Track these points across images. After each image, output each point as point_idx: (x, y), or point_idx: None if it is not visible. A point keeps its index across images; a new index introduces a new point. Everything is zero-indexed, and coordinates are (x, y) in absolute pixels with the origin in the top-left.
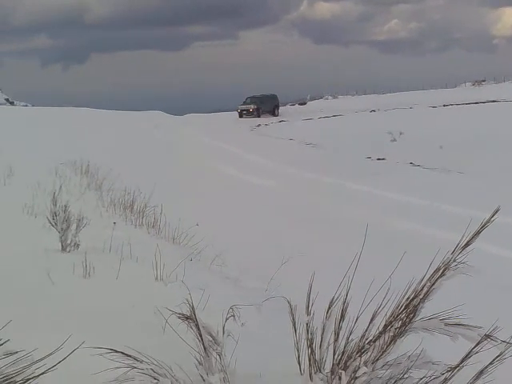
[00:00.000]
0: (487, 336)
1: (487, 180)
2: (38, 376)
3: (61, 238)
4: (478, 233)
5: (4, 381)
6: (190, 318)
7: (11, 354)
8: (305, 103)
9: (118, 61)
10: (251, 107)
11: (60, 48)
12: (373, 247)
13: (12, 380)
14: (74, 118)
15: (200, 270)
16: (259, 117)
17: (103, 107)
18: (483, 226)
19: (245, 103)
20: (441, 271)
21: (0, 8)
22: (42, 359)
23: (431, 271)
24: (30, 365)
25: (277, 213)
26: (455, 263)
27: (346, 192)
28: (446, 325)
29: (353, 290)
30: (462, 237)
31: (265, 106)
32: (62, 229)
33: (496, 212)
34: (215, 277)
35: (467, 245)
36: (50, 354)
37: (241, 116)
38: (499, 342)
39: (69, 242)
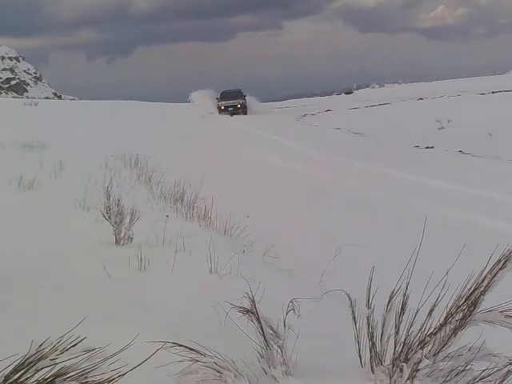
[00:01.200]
0: None
1: None
2: (120, 377)
3: (114, 231)
4: None
5: (80, 375)
6: (251, 312)
7: (88, 351)
8: (351, 92)
9: (163, 53)
10: (239, 103)
11: (106, 42)
12: (425, 237)
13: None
14: (122, 111)
15: (253, 262)
16: (246, 114)
17: (149, 99)
18: None
19: (226, 98)
20: (501, 263)
21: (46, 3)
22: (114, 354)
23: (491, 263)
24: (104, 360)
25: (325, 203)
26: None
27: (395, 181)
28: (506, 317)
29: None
30: None
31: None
32: (115, 222)
33: None
34: (268, 269)
35: None
36: (122, 350)
37: (221, 113)
38: None
39: (122, 235)
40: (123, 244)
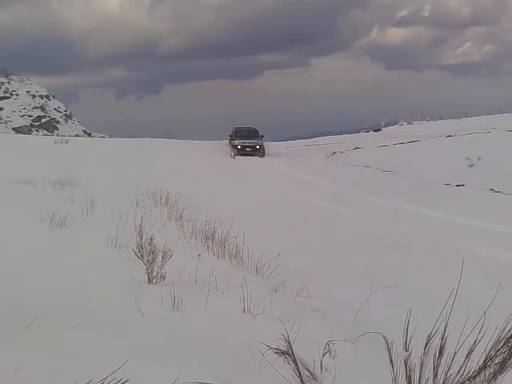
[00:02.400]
0: None
1: None
2: None
3: (147, 269)
4: None
5: None
6: (287, 353)
7: None
8: (379, 129)
9: (191, 91)
10: (258, 143)
11: (135, 79)
12: (463, 276)
13: None
14: (151, 149)
15: (286, 302)
16: (263, 156)
17: (179, 137)
18: None
19: (242, 136)
20: None
21: (76, 42)
22: None
23: None
24: None
25: (359, 241)
26: None
27: (427, 219)
28: None
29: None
30: None
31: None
32: (148, 261)
33: None
34: (301, 308)
35: None
36: None
37: (237, 153)
38: None
39: (155, 273)
40: (156, 282)
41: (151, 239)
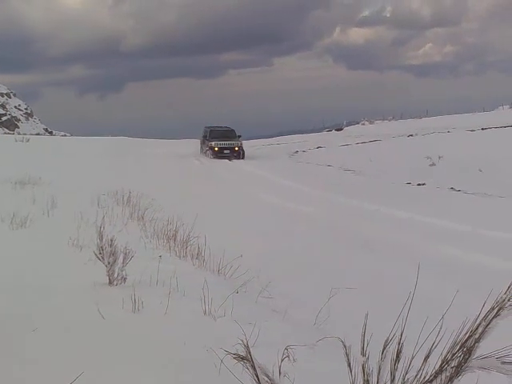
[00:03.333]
0: None
1: None
2: None
3: (108, 271)
4: None
5: None
6: (246, 359)
7: None
8: (341, 129)
9: (153, 89)
10: (237, 145)
11: (96, 77)
12: (425, 276)
13: None
14: (112, 147)
15: (247, 303)
16: (243, 158)
17: (140, 136)
18: None
19: (218, 137)
20: (495, 311)
21: (37, 40)
22: None
23: (485, 308)
24: None
25: (320, 239)
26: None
27: (388, 218)
28: (502, 363)
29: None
30: None
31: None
32: (108, 263)
33: None
34: (263, 310)
35: None
36: None
37: (215, 155)
38: None
39: (116, 275)
40: (117, 284)
41: (112, 240)
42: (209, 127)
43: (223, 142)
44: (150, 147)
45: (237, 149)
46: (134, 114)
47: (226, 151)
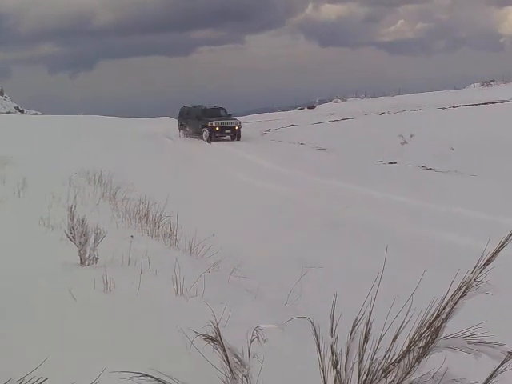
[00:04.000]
0: (511, 353)
1: (500, 182)
2: None
3: (79, 251)
4: (497, 251)
5: None
6: (216, 340)
7: None
8: (314, 107)
9: (126, 67)
10: (237, 124)
11: (68, 55)
12: (390, 254)
13: None
14: (85, 126)
15: (219, 283)
16: (239, 139)
17: (112, 114)
18: (502, 245)
19: (214, 116)
20: (462, 291)
21: (7, 17)
22: None
23: (453, 288)
24: None
25: (296, 219)
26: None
27: (360, 197)
28: (469, 343)
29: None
30: (481, 256)
31: None
32: (80, 243)
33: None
34: (235, 289)
35: (487, 263)
36: None
37: (213, 136)
38: None
39: (87, 255)
40: (88, 264)
41: (83, 220)
42: (200, 107)
43: (224, 122)
44: (124, 126)
45: (237, 128)
46: (107, 93)
47: (227, 131)
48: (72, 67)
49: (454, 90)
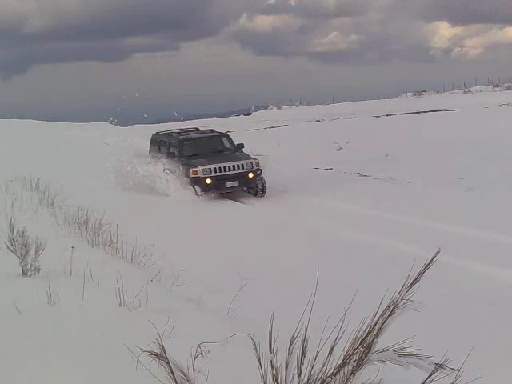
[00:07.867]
0: (438, 365)
1: (431, 189)
2: None
3: (21, 262)
4: (422, 273)
5: None
6: (161, 356)
7: None
8: (250, 113)
9: (60, 72)
10: (250, 166)
11: None
12: (333, 261)
13: None
14: (18, 131)
15: (162, 292)
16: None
17: (49, 119)
18: (427, 267)
19: (199, 154)
20: (390, 309)
21: None
22: None
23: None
24: None
25: (235, 227)
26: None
27: (296, 203)
28: (399, 356)
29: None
30: (408, 277)
31: None
32: (21, 254)
33: (438, 253)
34: (177, 299)
35: (413, 284)
36: None
37: (205, 191)
38: (450, 370)
39: (29, 266)
40: (30, 275)
41: (23, 232)
42: (172, 133)
43: (221, 166)
44: (60, 130)
45: (251, 175)
46: (42, 97)
47: (230, 183)
48: (3, 71)
49: (388, 100)
